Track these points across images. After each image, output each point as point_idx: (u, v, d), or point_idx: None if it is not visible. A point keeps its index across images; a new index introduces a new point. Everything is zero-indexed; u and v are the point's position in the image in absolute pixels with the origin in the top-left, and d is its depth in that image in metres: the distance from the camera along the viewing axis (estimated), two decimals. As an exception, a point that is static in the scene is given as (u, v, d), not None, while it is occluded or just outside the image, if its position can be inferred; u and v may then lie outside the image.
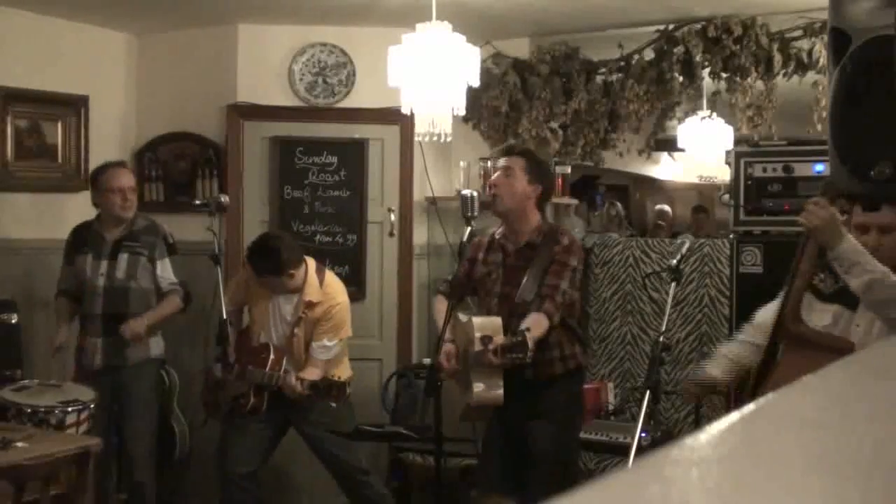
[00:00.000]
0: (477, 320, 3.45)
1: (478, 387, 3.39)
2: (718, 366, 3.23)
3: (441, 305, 3.73)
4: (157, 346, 4.46)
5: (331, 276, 4.31)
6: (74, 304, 4.41)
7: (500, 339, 3.35)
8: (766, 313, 3.11)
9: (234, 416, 4.21)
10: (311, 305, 4.15)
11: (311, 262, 4.23)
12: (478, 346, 3.34)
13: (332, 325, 4.17)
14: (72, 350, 4.40)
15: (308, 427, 4.23)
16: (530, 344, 3.21)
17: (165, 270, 4.41)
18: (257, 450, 4.23)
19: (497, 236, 3.70)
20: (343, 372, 4.30)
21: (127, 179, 4.37)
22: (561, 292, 3.48)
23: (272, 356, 4.14)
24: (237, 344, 4.28)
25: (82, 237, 4.43)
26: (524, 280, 3.52)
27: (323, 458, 4.30)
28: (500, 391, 3.39)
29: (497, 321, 3.44)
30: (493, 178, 3.63)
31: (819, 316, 2.89)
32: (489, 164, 3.73)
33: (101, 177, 4.35)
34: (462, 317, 3.66)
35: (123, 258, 4.33)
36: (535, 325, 3.37)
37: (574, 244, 3.60)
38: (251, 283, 4.27)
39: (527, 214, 3.61)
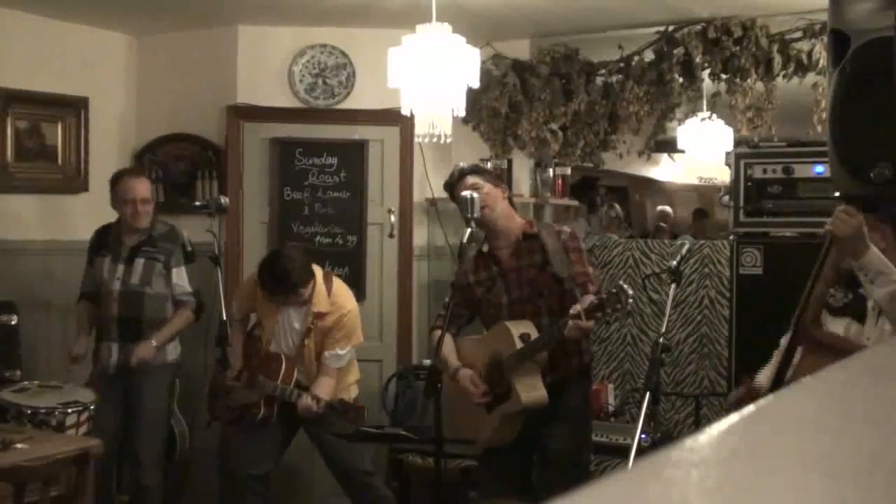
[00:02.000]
0: (508, 323, 3.46)
1: (523, 389, 3.38)
2: (766, 378, 3.22)
3: (443, 340, 3.60)
4: (173, 350, 4.44)
5: (338, 284, 4.28)
6: (96, 309, 4.42)
7: (532, 327, 3.37)
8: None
9: (241, 421, 4.22)
10: (320, 316, 4.13)
11: (318, 272, 4.20)
12: (519, 345, 3.36)
13: (344, 333, 4.16)
14: (90, 354, 4.40)
15: (320, 429, 4.22)
16: (628, 291, 3.15)
17: (180, 279, 4.39)
18: (270, 452, 4.24)
19: (484, 251, 3.68)
20: (352, 375, 4.30)
21: (140, 190, 4.32)
22: (592, 277, 3.55)
23: (283, 367, 4.12)
24: (245, 350, 4.29)
25: (103, 239, 4.43)
26: (550, 260, 3.51)
27: (329, 459, 4.29)
28: (544, 389, 3.40)
29: (527, 321, 3.46)
30: None
31: (831, 329, 2.92)
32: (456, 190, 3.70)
33: (116, 185, 4.34)
34: (468, 338, 3.67)
35: (139, 263, 4.32)
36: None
37: (575, 231, 3.69)
38: (258, 296, 4.25)
39: (511, 214, 3.68)
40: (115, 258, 4.35)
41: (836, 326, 2.93)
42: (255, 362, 4.21)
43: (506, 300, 3.59)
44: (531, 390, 3.38)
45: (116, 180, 4.36)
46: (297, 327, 4.19)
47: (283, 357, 4.15)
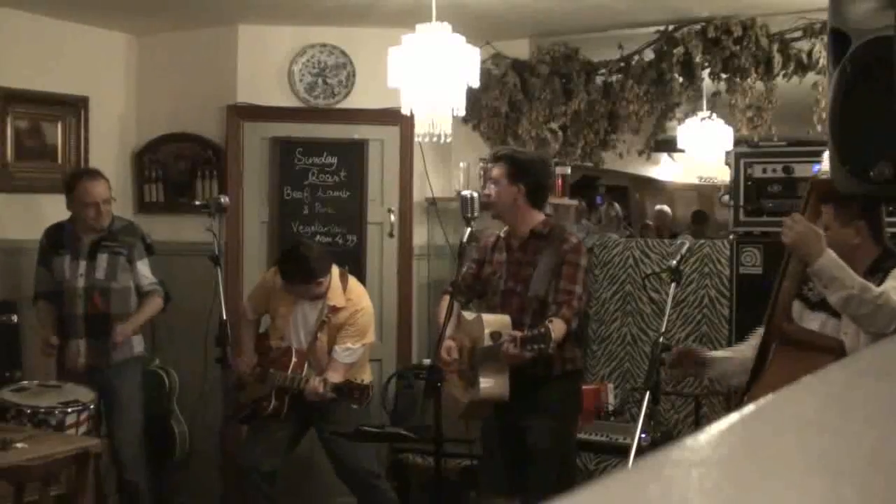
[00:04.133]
0: (486, 317, 3.52)
1: (485, 382, 3.46)
2: (717, 352, 3.26)
3: (445, 305, 3.76)
4: (139, 343, 4.47)
5: (354, 282, 4.34)
6: (54, 308, 4.39)
7: (511, 332, 3.41)
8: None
9: (254, 418, 4.26)
10: (334, 310, 4.18)
11: (335, 269, 4.27)
12: (487, 342, 3.41)
13: (356, 329, 4.20)
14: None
15: (329, 428, 4.23)
16: (553, 335, 3.25)
17: (145, 270, 4.41)
18: (278, 450, 4.26)
19: (502, 235, 3.79)
20: (365, 376, 4.32)
21: (100, 191, 4.31)
22: (577, 297, 3.55)
23: (294, 359, 4.16)
24: (257, 346, 4.34)
25: (58, 238, 4.40)
26: (533, 274, 3.57)
27: (336, 459, 4.29)
28: (507, 387, 3.46)
29: (506, 318, 3.51)
30: (485, 189, 3.75)
31: (808, 324, 2.94)
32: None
33: (75, 189, 4.31)
34: (467, 315, 3.72)
35: (103, 258, 4.32)
36: (557, 328, 3.39)
37: (581, 244, 3.68)
38: (274, 291, 4.29)
39: (521, 213, 3.68)
40: (74, 255, 4.32)
41: (813, 321, 2.94)
42: (265, 360, 4.26)
43: (502, 287, 3.68)
44: (492, 385, 3.47)
45: (73, 183, 4.33)
46: (311, 322, 4.23)
47: (293, 350, 4.20)
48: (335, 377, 4.08)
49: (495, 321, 3.50)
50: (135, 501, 4.38)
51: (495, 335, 3.41)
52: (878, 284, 2.76)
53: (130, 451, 4.36)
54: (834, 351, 2.69)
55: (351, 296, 4.23)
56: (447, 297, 3.76)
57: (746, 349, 3.17)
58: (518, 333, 3.32)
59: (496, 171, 3.69)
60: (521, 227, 3.68)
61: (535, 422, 3.58)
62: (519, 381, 3.49)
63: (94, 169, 4.51)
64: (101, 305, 4.31)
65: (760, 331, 3.24)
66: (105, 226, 4.34)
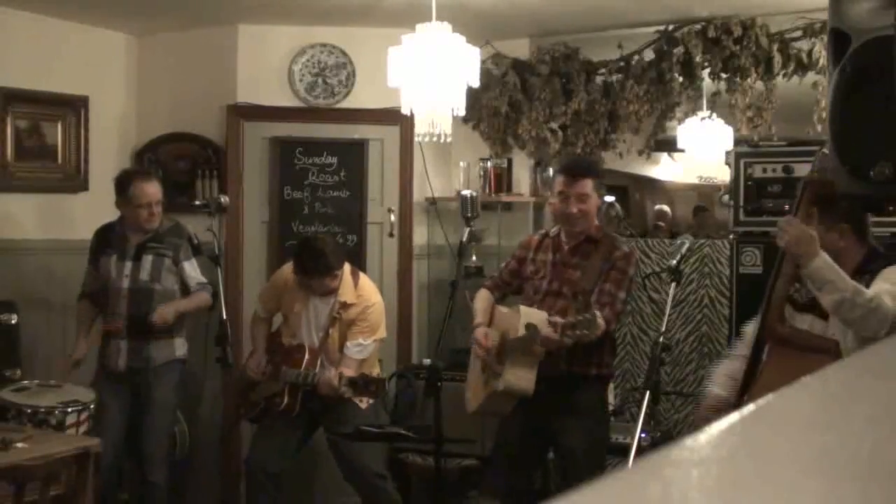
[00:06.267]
0: (525, 309, 3.48)
1: (511, 373, 3.40)
2: (722, 385, 3.19)
3: (483, 296, 3.79)
4: (181, 346, 4.44)
5: (364, 278, 4.35)
6: (96, 309, 4.40)
7: (552, 318, 3.36)
8: (753, 325, 3.11)
9: (265, 416, 4.26)
10: (346, 306, 4.19)
11: (346, 266, 4.27)
12: (521, 332, 3.36)
13: (368, 325, 4.21)
14: (93, 355, 4.38)
15: (339, 428, 4.22)
16: (600, 322, 3.20)
17: (193, 271, 4.39)
18: (286, 451, 4.26)
19: (552, 234, 3.73)
20: (375, 371, 4.32)
21: (154, 192, 4.29)
22: (620, 301, 3.52)
23: (307, 356, 4.17)
24: (269, 345, 4.34)
25: (106, 239, 4.40)
26: (584, 271, 3.53)
27: (341, 459, 4.28)
28: (532, 383, 3.39)
29: (543, 314, 3.43)
30: (571, 206, 3.57)
31: (797, 325, 2.93)
32: (555, 182, 3.69)
33: (128, 189, 4.27)
34: (502, 308, 3.70)
35: (148, 259, 4.30)
36: (598, 325, 3.33)
37: (632, 254, 3.62)
38: (287, 288, 4.29)
39: (594, 218, 3.67)
40: (121, 256, 4.32)
41: (802, 323, 2.95)
42: (278, 357, 4.26)
43: (544, 287, 3.63)
44: (516, 378, 3.39)
45: (126, 184, 4.30)
46: (323, 319, 4.23)
47: (306, 347, 4.20)
48: (348, 373, 4.08)
49: (531, 314, 3.44)
50: (152, 502, 4.37)
51: (530, 326, 3.34)
52: (866, 286, 2.76)
53: (158, 452, 4.35)
54: (830, 351, 2.69)
55: (362, 292, 4.24)
56: (485, 291, 3.80)
57: (739, 365, 3.09)
58: (560, 320, 3.28)
59: (589, 186, 3.58)
60: (586, 230, 3.63)
61: (570, 422, 3.54)
62: (553, 381, 3.45)
63: (146, 169, 4.51)
64: (145, 307, 4.26)
65: (739, 343, 3.24)
66: (155, 227, 4.32)
